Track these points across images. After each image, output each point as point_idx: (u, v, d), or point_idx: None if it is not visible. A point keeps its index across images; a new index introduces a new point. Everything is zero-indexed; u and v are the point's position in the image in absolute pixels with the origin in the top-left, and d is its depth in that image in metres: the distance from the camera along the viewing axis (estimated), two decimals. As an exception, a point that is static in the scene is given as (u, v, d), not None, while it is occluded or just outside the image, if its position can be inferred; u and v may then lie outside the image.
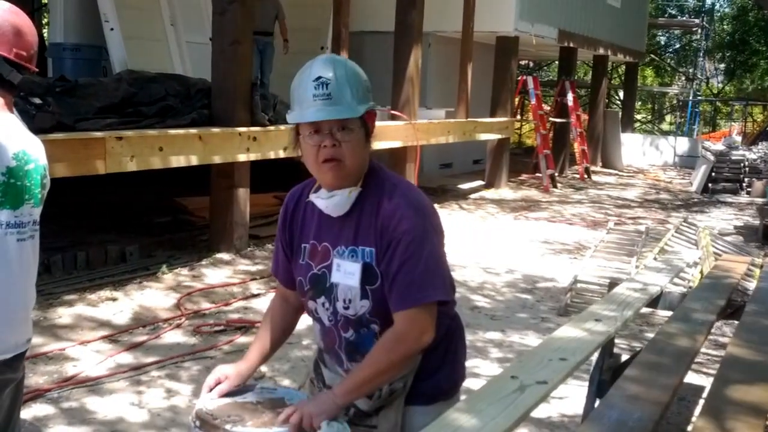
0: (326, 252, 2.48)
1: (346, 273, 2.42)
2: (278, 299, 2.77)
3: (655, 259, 8.80)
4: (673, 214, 14.13)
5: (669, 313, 4.99)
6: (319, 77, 2.29)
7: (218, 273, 8.06)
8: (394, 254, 2.35)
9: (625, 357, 4.56)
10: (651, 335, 6.63)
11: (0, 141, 2.63)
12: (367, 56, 14.47)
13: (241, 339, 6.18)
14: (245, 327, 6.45)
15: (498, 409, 2.49)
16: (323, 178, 2.42)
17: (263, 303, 7.19)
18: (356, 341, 2.49)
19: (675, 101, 36.14)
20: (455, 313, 2.69)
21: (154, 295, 7.20)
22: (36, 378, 5.17)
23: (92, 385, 5.17)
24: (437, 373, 2.55)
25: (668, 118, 39.67)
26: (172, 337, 6.20)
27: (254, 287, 7.67)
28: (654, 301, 4.72)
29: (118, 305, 6.83)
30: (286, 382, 5.26)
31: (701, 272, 7.96)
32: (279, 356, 5.73)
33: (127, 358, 5.71)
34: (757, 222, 13.17)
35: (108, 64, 10.88)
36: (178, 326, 6.42)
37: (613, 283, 5.11)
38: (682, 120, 31.21)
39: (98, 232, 8.89)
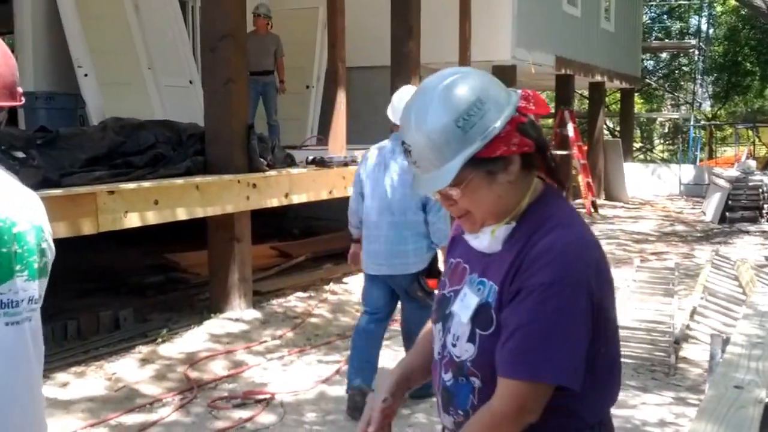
0: (463, 274, 2.08)
1: (465, 306, 1.99)
2: None
3: (702, 298, 8.08)
4: (697, 247, 13.24)
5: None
6: (403, 142, 1.92)
7: (226, 336, 7.22)
8: (520, 307, 1.85)
9: None
10: None
11: None
12: (358, 93, 13.74)
13: (264, 416, 5.37)
14: (266, 399, 5.65)
15: None
16: None
17: (284, 368, 6.39)
18: (452, 389, 2.02)
19: (667, 128, 35.16)
20: (600, 421, 2.00)
21: (155, 366, 6.36)
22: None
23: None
24: None
25: (659, 145, 38.60)
26: (183, 415, 5.38)
27: (270, 348, 6.89)
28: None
29: (117, 380, 6.00)
30: None
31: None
32: None
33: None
34: (790, 251, 12.41)
35: (84, 112, 10.32)
36: (190, 401, 5.61)
37: (722, 340, 4.25)
38: (681, 147, 29.28)
39: (85, 297, 8.17)
